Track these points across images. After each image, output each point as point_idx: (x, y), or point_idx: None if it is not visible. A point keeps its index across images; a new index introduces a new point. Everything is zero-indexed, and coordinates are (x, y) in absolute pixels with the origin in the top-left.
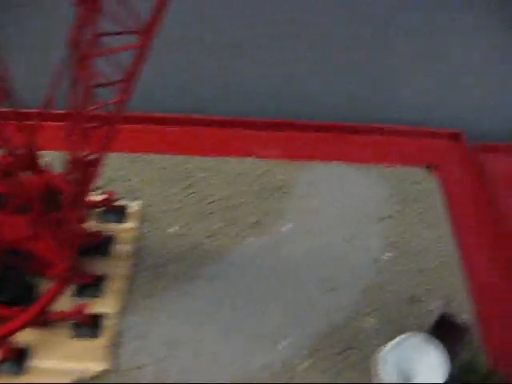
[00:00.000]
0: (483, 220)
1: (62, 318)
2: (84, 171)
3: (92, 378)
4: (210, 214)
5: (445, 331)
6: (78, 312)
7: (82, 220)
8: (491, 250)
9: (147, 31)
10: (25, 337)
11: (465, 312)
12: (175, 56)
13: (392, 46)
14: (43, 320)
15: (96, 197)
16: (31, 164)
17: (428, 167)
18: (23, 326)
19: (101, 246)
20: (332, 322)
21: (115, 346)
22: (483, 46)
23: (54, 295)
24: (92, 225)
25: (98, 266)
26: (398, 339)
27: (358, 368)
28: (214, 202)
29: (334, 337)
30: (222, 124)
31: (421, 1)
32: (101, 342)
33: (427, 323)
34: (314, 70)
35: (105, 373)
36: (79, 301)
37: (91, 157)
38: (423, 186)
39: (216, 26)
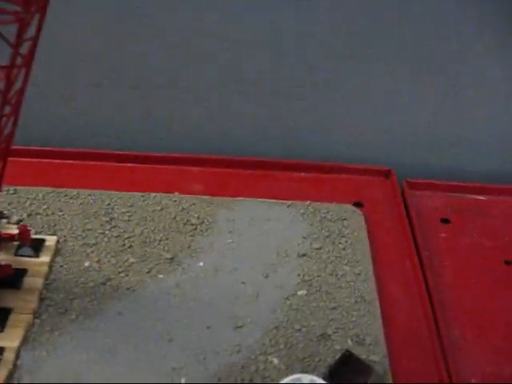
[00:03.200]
0: (406, 258)
1: None
2: None
3: None
4: (126, 249)
5: (348, 370)
6: None
7: None
8: (410, 289)
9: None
10: None
11: (376, 352)
12: (98, 90)
13: (327, 86)
14: None
15: (12, 230)
16: None
17: (356, 204)
18: None
19: (12, 279)
20: (234, 360)
21: (10, 381)
22: (408, 84)
23: None
24: (6, 258)
25: (6, 299)
26: (289, 379)
27: None
28: (130, 237)
29: (234, 377)
30: (147, 160)
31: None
32: None
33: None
34: (245, 105)
35: None
36: None
37: None
38: (348, 223)
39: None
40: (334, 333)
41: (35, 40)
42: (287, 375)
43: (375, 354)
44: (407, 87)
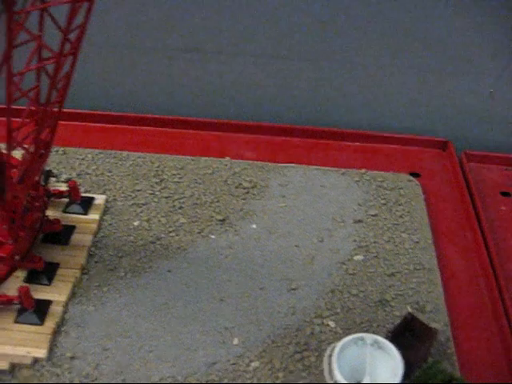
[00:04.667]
0: (466, 228)
1: (5, 302)
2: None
3: (28, 364)
4: (176, 210)
5: (410, 334)
6: (22, 296)
7: (38, 206)
8: (471, 259)
9: None
10: None
11: (437, 320)
12: (152, 59)
13: (381, 57)
14: None
15: (62, 187)
16: None
17: (412, 174)
18: None
19: (61, 234)
20: (288, 323)
21: (57, 334)
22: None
23: (1, 278)
24: (54, 214)
25: (55, 254)
26: (351, 338)
27: (314, 371)
28: (181, 198)
29: (289, 338)
30: (199, 125)
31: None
32: (43, 328)
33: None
34: (299, 75)
35: (41, 360)
36: (28, 286)
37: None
38: (405, 192)
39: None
40: (393, 299)
41: (83, 27)
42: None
43: (436, 322)
44: (469, 57)
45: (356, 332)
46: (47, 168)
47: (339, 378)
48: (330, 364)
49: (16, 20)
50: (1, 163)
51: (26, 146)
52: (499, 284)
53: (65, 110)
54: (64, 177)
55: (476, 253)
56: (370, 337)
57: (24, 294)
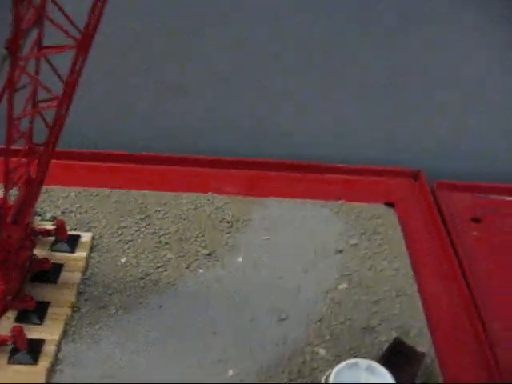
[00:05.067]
0: (441, 254)
1: (0, 342)
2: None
3: None
4: (163, 246)
5: (398, 358)
6: (16, 336)
7: (28, 245)
8: (448, 283)
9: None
10: None
11: (422, 343)
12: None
13: (354, 92)
14: None
15: (47, 226)
16: None
17: (387, 204)
18: None
19: (50, 273)
20: (281, 352)
21: (52, 373)
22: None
23: None
24: (41, 253)
25: (45, 293)
26: (346, 363)
27: None
28: (167, 234)
29: (282, 367)
30: (180, 161)
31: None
32: (38, 368)
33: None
34: (277, 107)
35: None
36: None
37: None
38: (382, 221)
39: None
40: (378, 325)
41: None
42: (335, 366)
43: (421, 345)
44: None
45: (346, 358)
46: None
47: None
48: None
49: (19, 65)
50: None
51: (19, 185)
52: (477, 305)
53: None
54: (49, 215)
55: (453, 277)
56: (363, 362)
57: (18, 334)
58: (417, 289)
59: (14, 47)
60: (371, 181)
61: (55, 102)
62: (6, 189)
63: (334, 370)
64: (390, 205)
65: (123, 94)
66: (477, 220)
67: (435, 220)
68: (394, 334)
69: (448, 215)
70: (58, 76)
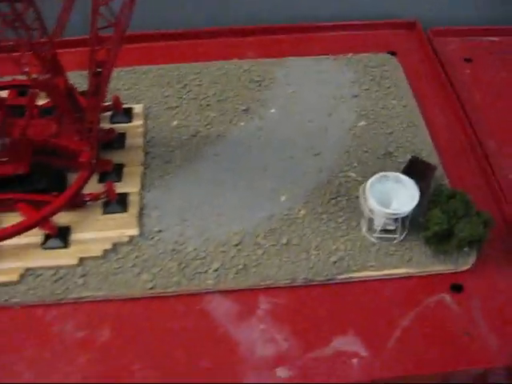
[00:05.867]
0: (440, 90)
1: (94, 198)
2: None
3: (126, 242)
4: (204, 107)
5: (417, 170)
6: (107, 191)
7: (98, 119)
8: (449, 114)
9: None
10: (63, 217)
11: (432, 162)
12: None
13: None
14: (77, 202)
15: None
16: (55, 67)
17: (390, 53)
18: (61, 208)
19: (115, 141)
20: (320, 179)
21: (140, 217)
22: None
23: (84, 180)
24: (104, 125)
25: (117, 157)
26: (379, 175)
27: (347, 211)
28: (206, 98)
29: (323, 190)
30: (201, 35)
31: None
32: (129, 214)
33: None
34: None
35: (135, 237)
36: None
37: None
38: (388, 68)
39: None
40: (395, 150)
41: None
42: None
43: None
44: None
45: None
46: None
47: (374, 204)
48: (364, 197)
49: None
50: (71, 89)
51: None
52: (474, 128)
53: None
54: None
55: (452, 109)
56: (392, 174)
57: (110, 188)
58: (423, 120)
59: None
60: (373, 34)
61: None
62: (91, 71)
63: (369, 181)
64: (393, 53)
65: None
66: (469, 60)
67: (433, 62)
68: (409, 156)
69: (443, 58)
70: None
